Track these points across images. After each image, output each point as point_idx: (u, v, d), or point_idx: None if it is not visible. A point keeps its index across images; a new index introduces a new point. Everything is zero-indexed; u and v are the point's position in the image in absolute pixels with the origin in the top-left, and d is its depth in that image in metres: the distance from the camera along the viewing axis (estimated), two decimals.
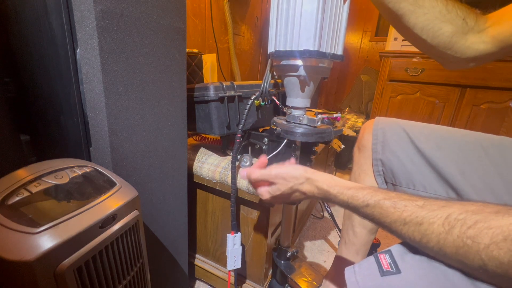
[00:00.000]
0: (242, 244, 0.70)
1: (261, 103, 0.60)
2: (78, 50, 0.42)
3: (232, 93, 0.68)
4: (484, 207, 0.26)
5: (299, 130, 0.50)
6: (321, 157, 1.16)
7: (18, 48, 0.47)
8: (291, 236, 0.77)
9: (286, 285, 0.72)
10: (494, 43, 0.44)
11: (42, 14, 0.42)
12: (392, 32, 1.64)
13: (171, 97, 0.55)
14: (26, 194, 0.33)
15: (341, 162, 1.83)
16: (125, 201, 0.39)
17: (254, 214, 0.70)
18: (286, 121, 0.54)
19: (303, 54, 0.46)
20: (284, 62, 0.49)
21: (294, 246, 0.70)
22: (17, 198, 0.32)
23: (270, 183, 0.46)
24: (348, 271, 0.33)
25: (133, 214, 0.41)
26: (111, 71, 0.42)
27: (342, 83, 2.26)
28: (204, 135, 0.85)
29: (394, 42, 1.62)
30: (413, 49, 1.53)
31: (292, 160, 0.51)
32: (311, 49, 0.45)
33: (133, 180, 0.51)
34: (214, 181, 0.71)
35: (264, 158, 0.49)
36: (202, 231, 0.82)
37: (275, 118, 0.58)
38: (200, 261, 0.85)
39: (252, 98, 0.59)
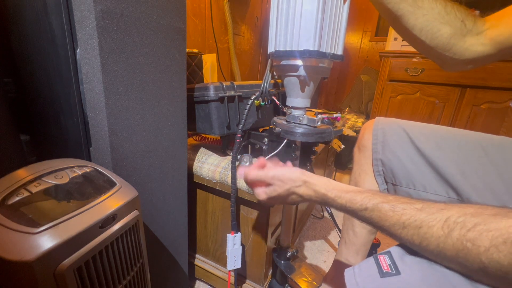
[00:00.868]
0: (242, 244, 0.70)
1: (261, 103, 0.60)
2: (78, 50, 0.42)
3: (232, 93, 0.68)
4: (482, 209, 0.26)
5: (299, 130, 0.50)
6: (321, 157, 1.16)
7: (18, 48, 0.47)
8: (291, 236, 0.77)
9: (286, 285, 0.72)
10: (492, 45, 0.44)
11: (42, 14, 0.42)
12: (392, 32, 1.64)
13: (171, 97, 0.55)
14: (26, 194, 0.33)
15: (341, 162, 1.83)
16: (125, 201, 0.39)
17: (254, 214, 0.70)
18: (286, 121, 0.54)
19: (303, 54, 0.46)
20: (284, 62, 0.49)
21: (294, 246, 0.70)
22: (17, 198, 0.32)
23: (267, 184, 0.45)
24: (347, 273, 0.33)
25: (133, 214, 0.41)
26: (111, 71, 0.42)
27: (342, 83, 2.26)
28: (204, 135, 0.85)
29: (394, 42, 1.62)
30: (413, 49, 1.53)
31: (289, 163, 0.51)
32: (311, 49, 0.45)
33: (133, 180, 0.51)
34: (214, 181, 0.71)
35: (262, 160, 0.49)
36: (202, 231, 0.82)
37: (275, 118, 0.58)
38: (200, 261, 0.85)
39: (252, 98, 0.59)
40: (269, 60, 0.53)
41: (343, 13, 0.48)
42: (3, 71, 0.48)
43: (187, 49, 0.64)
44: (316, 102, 2.27)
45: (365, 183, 0.62)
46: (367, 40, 2.08)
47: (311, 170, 0.53)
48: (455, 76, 1.48)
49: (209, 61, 1.14)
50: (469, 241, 0.24)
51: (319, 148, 1.01)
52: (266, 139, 0.63)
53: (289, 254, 0.69)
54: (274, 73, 0.55)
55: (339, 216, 1.18)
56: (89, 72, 0.42)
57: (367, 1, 2.05)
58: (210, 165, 0.72)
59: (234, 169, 0.63)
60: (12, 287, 0.29)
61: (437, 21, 0.44)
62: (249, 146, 0.71)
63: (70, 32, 0.41)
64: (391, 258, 0.31)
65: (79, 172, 0.40)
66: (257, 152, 0.69)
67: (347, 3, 0.47)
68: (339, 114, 0.54)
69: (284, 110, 0.56)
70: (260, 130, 0.77)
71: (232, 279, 0.76)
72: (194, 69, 0.96)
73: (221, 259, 0.81)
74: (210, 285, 0.87)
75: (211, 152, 0.77)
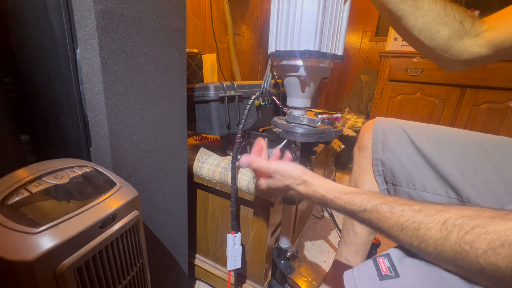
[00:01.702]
0: (242, 244, 0.70)
1: (261, 103, 0.60)
2: (78, 50, 0.42)
3: (232, 93, 0.68)
4: (481, 212, 0.26)
5: (299, 130, 0.50)
6: (321, 157, 1.16)
7: (18, 48, 0.47)
8: (291, 236, 0.77)
9: (286, 285, 0.72)
10: (490, 47, 0.44)
11: (42, 14, 0.42)
12: (392, 32, 1.64)
13: (171, 97, 0.55)
14: (26, 194, 0.33)
15: (341, 162, 1.83)
16: (125, 201, 0.39)
17: (254, 214, 0.70)
18: (286, 121, 0.54)
19: (304, 54, 0.46)
20: (284, 62, 0.49)
21: (294, 246, 0.70)
22: (17, 198, 0.32)
23: (269, 176, 0.46)
24: (346, 275, 0.33)
25: (133, 214, 0.41)
26: (111, 71, 0.42)
27: (342, 83, 2.26)
28: (204, 135, 0.85)
29: (394, 42, 1.62)
30: (413, 49, 1.53)
31: (288, 155, 0.51)
32: (312, 49, 0.45)
33: (133, 180, 0.51)
34: (214, 181, 0.71)
35: (261, 141, 0.49)
36: (202, 231, 0.82)
37: (275, 118, 0.58)
38: (200, 261, 0.85)
39: (252, 98, 0.59)
40: (270, 60, 0.53)
41: (344, 13, 0.48)
42: (3, 71, 0.47)
43: (187, 49, 0.64)
44: (316, 102, 2.27)
45: (365, 183, 0.62)
46: (367, 40, 2.08)
47: (311, 170, 0.53)
48: (455, 76, 1.48)
49: (209, 61, 1.14)
50: (467, 244, 0.24)
51: (319, 148, 1.01)
52: (266, 139, 0.63)
53: (289, 254, 0.69)
54: (275, 73, 0.55)
55: (339, 216, 1.18)
56: (89, 72, 0.42)
57: (367, 1, 2.04)
58: (210, 165, 0.72)
59: (234, 169, 0.63)
60: (12, 287, 0.29)
61: (436, 22, 0.44)
62: (249, 146, 0.71)
63: (70, 32, 0.41)
64: (390, 260, 0.31)
65: (79, 172, 0.40)
66: None
67: (347, 4, 0.47)
68: (339, 114, 0.54)
69: (284, 110, 0.56)
70: (260, 130, 0.77)
71: (232, 279, 0.76)
72: (194, 69, 0.96)
73: (221, 259, 0.81)
74: (210, 285, 0.87)
75: (211, 152, 0.77)
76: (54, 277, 0.30)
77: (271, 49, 0.52)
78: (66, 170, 0.39)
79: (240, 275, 0.79)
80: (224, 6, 1.36)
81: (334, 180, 1.34)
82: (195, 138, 0.86)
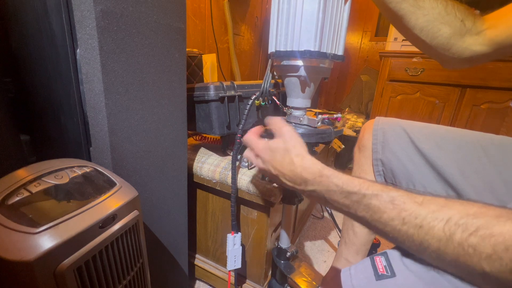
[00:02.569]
0: (242, 244, 0.70)
1: (262, 103, 0.60)
2: (78, 50, 0.42)
3: (233, 93, 0.67)
4: (485, 209, 0.25)
5: (299, 130, 0.50)
6: (321, 157, 1.16)
7: (18, 48, 0.47)
8: (291, 236, 0.77)
9: (286, 285, 0.72)
10: (490, 45, 0.44)
11: (42, 14, 0.42)
12: (392, 32, 1.64)
13: (171, 97, 0.55)
14: (26, 194, 0.33)
15: (341, 162, 1.83)
16: (125, 201, 0.39)
17: (254, 214, 0.70)
18: (287, 121, 0.54)
19: (304, 55, 0.46)
20: (284, 62, 0.49)
21: (294, 246, 0.70)
22: (17, 198, 0.32)
23: (274, 136, 0.43)
24: (344, 274, 0.33)
25: (133, 214, 0.41)
26: (111, 71, 0.42)
27: (342, 83, 2.26)
28: (204, 135, 0.85)
29: (394, 42, 1.62)
30: (413, 49, 1.53)
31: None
32: (312, 49, 0.45)
33: (133, 180, 0.51)
34: (214, 181, 0.71)
35: (259, 127, 0.49)
36: (202, 231, 0.82)
37: None
38: (200, 261, 0.85)
39: (253, 98, 0.59)
40: (270, 60, 0.53)
41: (344, 13, 0.48)
42: (3, 71, 0.47)
43: (187, 49, 0.64)
44: (316, 102, 2.27)
45: None
46: (367, 40, 2.08)
47: None
48: (455, 76, 1.48)
49: (209, 61, 1.14)
50: (471, 247, 0.23)
51: (319, 148, 1.01)
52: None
53: (289, 254, 0.69)
54: (275, 73, 0.55)
55: (339, 216, 1.18)
56: (89, 72, 0.42)
57: (367, 1, 2.04)
58: (210, 165, 0.72)
59: (234, 169, 0.63)
60: (12, 287, 0.29)
61: (437, 21, 0.44)
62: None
63: (70, 32, 0.41)
64: (387, 259, 0.31)
65: (79, 172, 0.40)
66: None
67: (348, 4, 0.47)
68: (339, 115, 0.54)
69: (285, 110, 0.56)
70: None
71: (232, 279, 0.76)
72: (194, 69, 0.96)
73: (221, 259, 0.81)
74: (210, 285, 0.87)
75: (211, 152, 0.77)
76: (54, 277, 0.30)
77: (271, 49, 0.52)
78: (66, 170, 0.39)
79: (240, 275, 0.79)
80: (224, 6, 1.36)
81: None
82: (195, 138, 0.86)
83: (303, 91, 0.51)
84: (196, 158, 0.74)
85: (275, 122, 0.44)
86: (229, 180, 0.67)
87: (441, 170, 0.50)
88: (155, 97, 0.51)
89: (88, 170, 0.41)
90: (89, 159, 0.48)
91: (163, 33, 0.50)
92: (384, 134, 0.58)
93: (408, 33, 0.48)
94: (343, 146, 1.28)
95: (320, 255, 1.06)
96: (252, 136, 0.46)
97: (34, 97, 0.49)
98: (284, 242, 0.69)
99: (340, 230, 1.03)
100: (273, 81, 0.70)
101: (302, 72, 0.48)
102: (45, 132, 0.51)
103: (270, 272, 0.80)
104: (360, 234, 0.63)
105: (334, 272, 0.66)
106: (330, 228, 1.23)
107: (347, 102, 2.10)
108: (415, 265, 0.29)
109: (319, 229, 1.23)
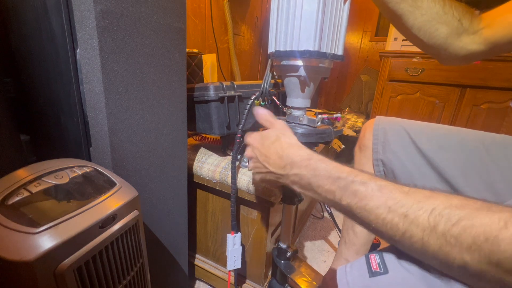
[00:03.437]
0: (242, 244, 0.70)
1: (261, 103, 0.60)
2: (78, 50, 0.42)
3: (232, 93, 0.67)
4: (467, 201, 0.25)
5: (299, 130, 0.50)
6: None
7: (18, 48, 0.47)
8: (291, 236, 0.77)
9: (286, 285, 0.72)
10: (486, 44, 0.45)
11: (42, 14, 0.42)
12: (392, 32, 1.64)
13: (171, 97, 0.55)
14: (26, 194, 0.33)
15: (341, 162, 1.83)
16: (125, 201, 0.39)
17: (254, 214, 0.70)
18: (286, 121, 0.54)
19: (304, 54, 0.46)
20: (284, 62, 0.49)
21: (294, 246, 0.70)
22: (17, 198, 0.32)
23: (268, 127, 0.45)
24: (340, 271, 0.33)
25: (133, 214, 0.41)
26: (111, 71, 0.42)
27: (342, 83, 2.26)
28: (204, 135, 0.85)
29: (394, 42, 1.62)
30: (413, 49, 1.53)
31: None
32: (312, 49, 0.45)
33: (133, 180, 0.51)
34: (214, 181, 0.71)
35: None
36: (202, 231, 0.82)
37: None
38: (200, 261, 0.85)
39: (252, 98, 0.59)
40: (269, 60, 0.53)
41: (344, 13, 0.48)
42: (3, 71, 0.47)
43: (187, 49, 0.64)
44: (316, 102, 2.27)
45: None
46: (367, 40, 2.08)
47: None
48: (455, 76, 1.48)
49: (209, 61, 1.14)
50: (453, 237, 0.23)
51: (319, 148, 1.01)
52: None
53: (289, 254, 0.69)
54: (274, 73, 0.55)
55: (339, 216, 1.18)
56: (89, 72, 0.42)
57: (367, 1, 2.03)
58: (210, 165, 0.72)
59: (234, 169, 0.63)
60: (12, 287, 0.29)
61: (435, 21, 0.45)
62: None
63: (70, 32, 0.41)
64: (381, 257, 0.31)
65: (79, 172, 0.40)
66: None
67: (347, 3, 0.47)
68: (339, 114, 0.54)
69: (284, 110, 0.56)
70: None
71: (232, 279, 0.76)
72: (194, 69, 0.96)
73: (221, 259, 0.81)
74: (210, 285, 0.87)
75: (211, 152, 0.77)
76: (54, 277, 0.30)
77: (271, 49, 0.52)
78: (66, 170, 0.39)
79: (240, 275, 0.79)
80: (224, 6, 1.36)
81: None
82: (195, 138, 0.86)
83: (302, 91, 0.51)
84: (196, 158, 0.74)
85: (267, 118, 0.46)
86: (229, 180, 0.67)
87: (443, 171, 0.50)
88: (155, 97, 0.51)
89: (88, 170, 0.41)
90: (89, 159, 0.48)
91: (163, 33, 0.50)
92: (385, 134, 0.58)
93: (406, 32, 0.48)
94: (343, 146, 1.28)
95: (320, 255, 1.06)
96: (251, 133, 0.47)
97: (34, 97, 0.49)
98: (284, 242, 0.69)
99: (340, 230, 1.03)
100: (273, 81, 0.70)
101: (301, 72, 0.48)
102: (45, 132, 0.51)
103: (270, 272, 0.80)
104: (360, 234, 0.63)
105: (334, 272, 0.66)
106: (330, 228, 1.23)
107: (347, 102, 2.10)
108: (408, 264, 0.29)
109: (319, 229, 1.23)
